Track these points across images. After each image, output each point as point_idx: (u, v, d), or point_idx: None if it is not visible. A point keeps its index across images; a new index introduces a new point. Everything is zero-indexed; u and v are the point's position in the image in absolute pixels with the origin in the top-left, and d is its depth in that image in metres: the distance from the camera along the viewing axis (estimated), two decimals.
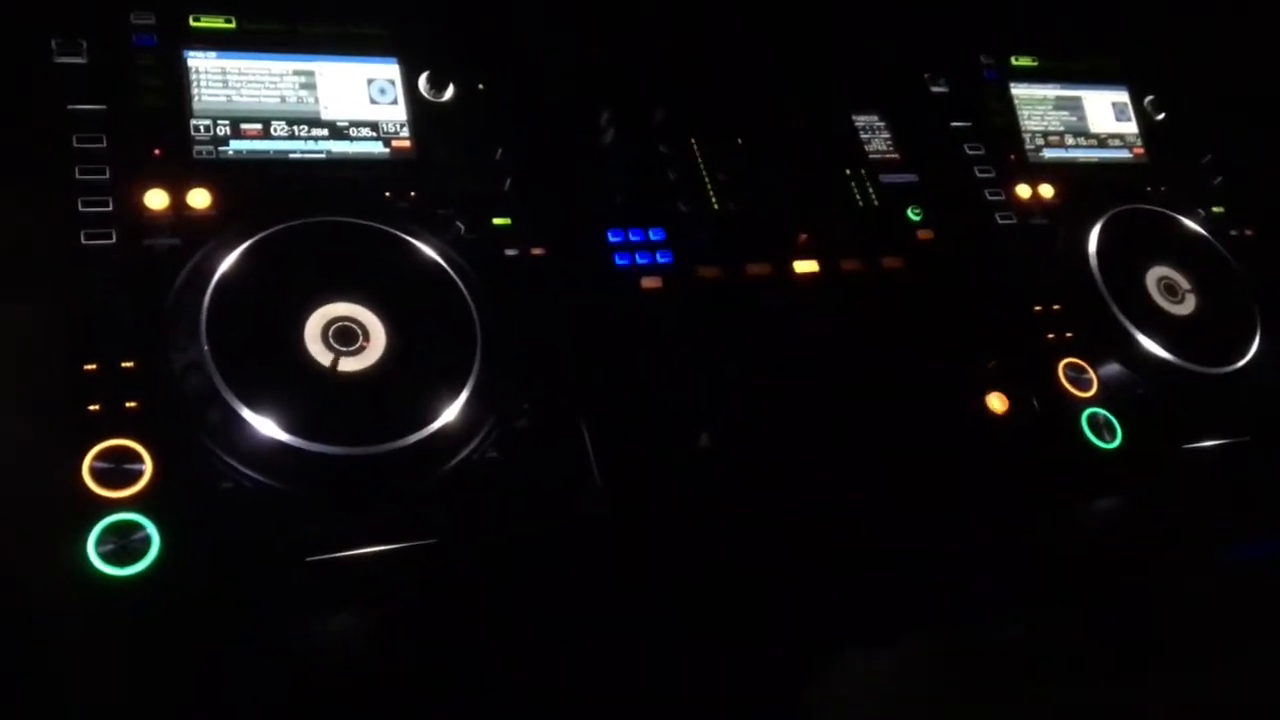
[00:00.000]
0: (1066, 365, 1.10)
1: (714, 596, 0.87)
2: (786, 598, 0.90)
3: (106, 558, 0.72)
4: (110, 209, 0.86)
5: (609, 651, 0.82)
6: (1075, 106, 1.34)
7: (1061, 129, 1.32)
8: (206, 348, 0.80)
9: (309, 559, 0.78)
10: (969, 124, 1.26)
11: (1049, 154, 1.29)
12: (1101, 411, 1.07)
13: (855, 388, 1.01)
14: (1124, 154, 1.34)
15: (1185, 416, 1.12)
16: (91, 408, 0.77)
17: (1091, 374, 1.10)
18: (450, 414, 0.84)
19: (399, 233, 0.92)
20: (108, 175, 0.87)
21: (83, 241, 0.84)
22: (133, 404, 0.78)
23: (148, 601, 0.72)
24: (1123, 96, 1.38)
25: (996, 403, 1.05)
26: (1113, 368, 1.12)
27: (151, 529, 0.74)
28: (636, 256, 1.01)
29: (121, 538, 0.73)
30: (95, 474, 0.75)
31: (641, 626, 0.84)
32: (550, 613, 0.83)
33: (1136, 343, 1.11)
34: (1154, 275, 1.18)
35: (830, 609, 0.91)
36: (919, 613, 0.93)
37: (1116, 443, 1.06)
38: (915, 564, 0.96)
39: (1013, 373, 1.08)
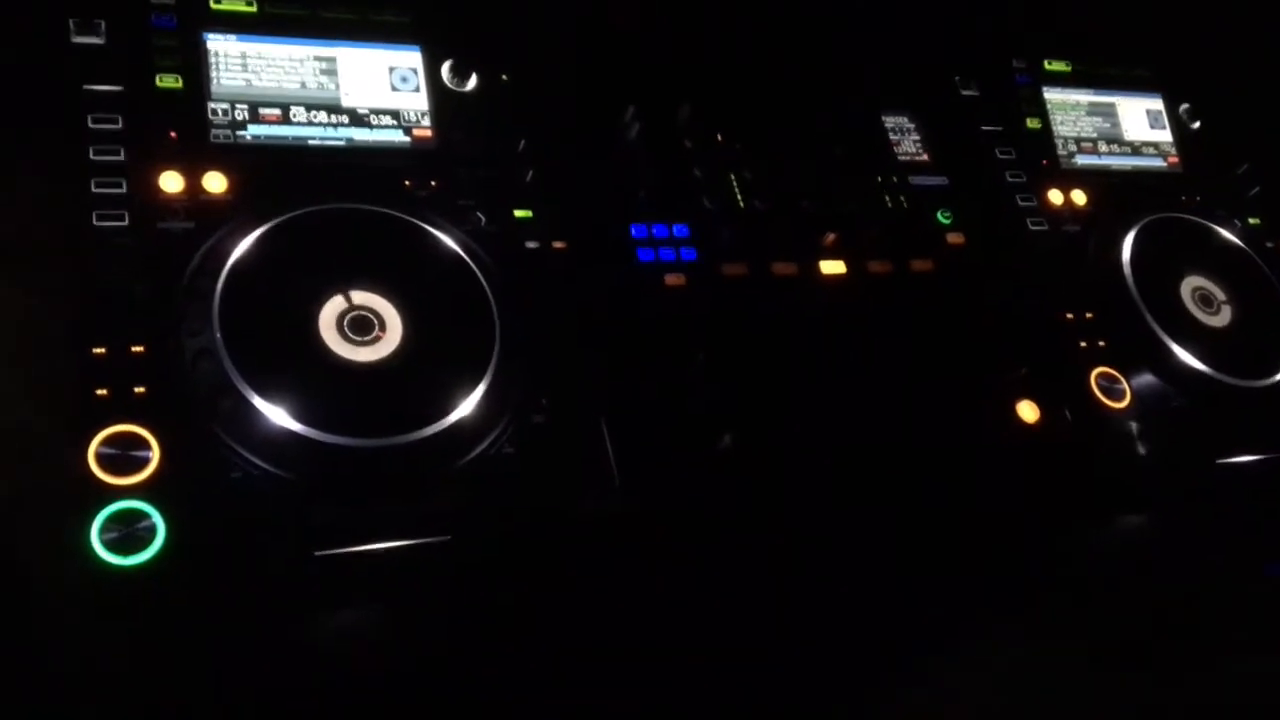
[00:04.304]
0: (1099, 375, 1.07)
1: (731, 598, 0.85)
2: (804, 602, 0.88)
3: (110, 546, 0.70)
4: (124, 191, 0.84)
5: (624, 653, 0.80)
6: (1109, 113, 1.31)
7: (1095, 135, 1.29)
8: (219, 334, 0.77)
9: (317, 553, 0.76)
10: (1000, 128, 1.23)
11: (1082, 160, 1.26)
12: (1135, 423, 1.05)
13: (882, 391, 0.99)
14: (1158, 162, 1.31)
15: (1220, 430, 1.09)
16: (99, 392, 0.75)
17: (1124, 384, 1.07)
18: (466, 407, 0.81)
19: (418, 222, 0.89)
20: (122, 157, 0.85)
21: (95, 223, 0.82)
22: (141, 389, 0.76)
23: (151, 592, 0.70)
24: (1157, 104, 1.35)
25: (1028, 411, 1.02)
26: (1146, 379, 1.08)
27: (157, 517, 0.71)
28: (660, 252, 0.98)
29: (126, 526, 0.70)
30: (101, 460, 0.72)
31: (658, 628, 0.82)
32: (565, 613, 0.81)
33: (1171, 353, 1.08)
34: (1189, 285, 1.15)
35: (851, 615, 0.88)
36: (943, 619, 0.90)
37: (1149, 455, 1.03)
38: (941, 571, 0.93)
39: (1044, 381, 1.05)
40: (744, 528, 0.89)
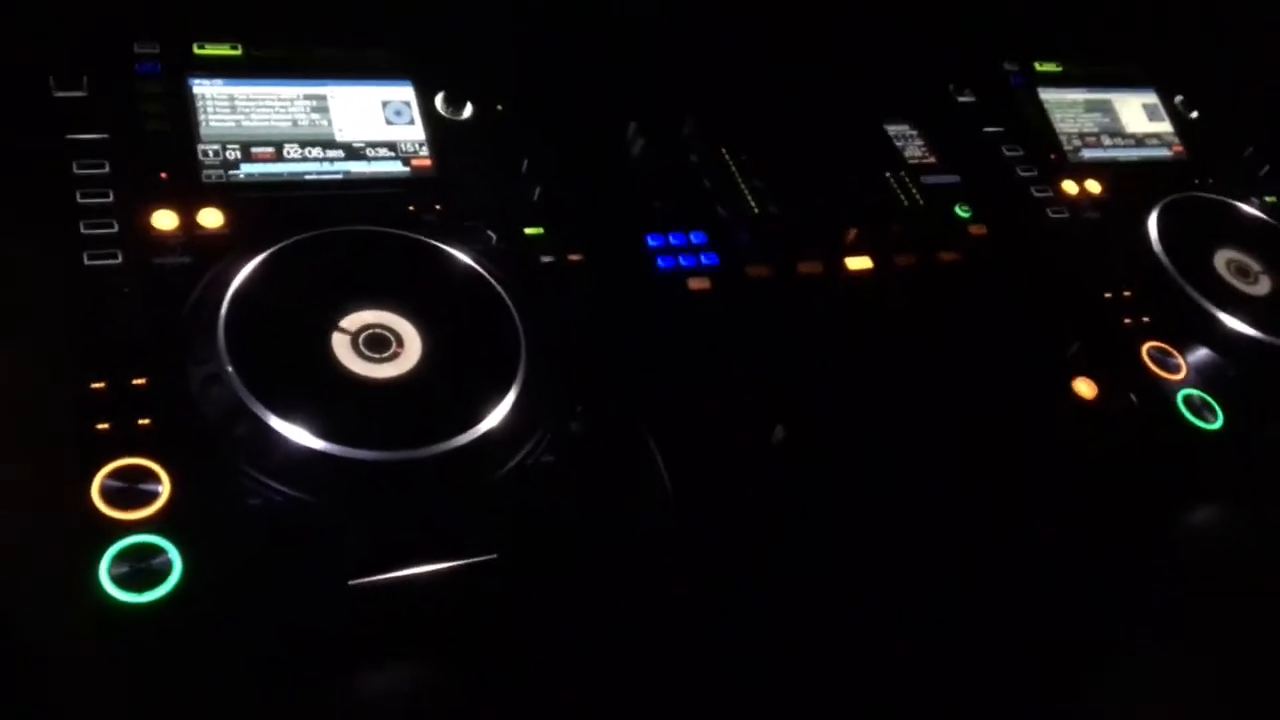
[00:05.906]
0: (1151, 348, 1.02)
1: (795, 595, 0.77)
2: (867, 598, 0.80)
3: (121, 582, 0.62)
4: (115, 230, 0.79)
5: (694, 670, 0.72)
6: (1106, 109, 1.29)
7: (1096, 130, 1.27)
8: (227, 358, 0.72)
9: (351, 582, 0.68)
10: (1002, 129, 1.21)
11: (1088, 154, 1.24)
12: (1196, 392, 0.99)
13: (933, 380, 0.93)
14: (1163, 152, 1.29)
15: None
16: (100, 426, 0.69)
17: (1178, 357, 1.02)
18: (498, 415, 0.75)
19: (427, 239, 0.85)
20: (111, 199, 0.81)
21: (86, 262, 0.77)
22: (146, 421, 0.70)
23: (168, 631, 0.62)
24: (1152, 98, 1.33)
25: (1085, 388, 0.96)
26: (1199, 351, 1.03)
27: (173, 551, 0.64)
28: (680, 259, 0.94)
29: (139, 560, 0.63)
30: (106, 494, 0.66)
31: (727, 636, 0.74)
32: (625, 631, 0.73)
33: (1220, 323, 1.04)
34: (1222, 258, 1.12)
35: (916, 612, 0.81)
36: (1014, 613, 0.83)
37: (1218, 424, 0.97)
38: (1014, 564, 0.86)
39: (1095, 358, 0.99)
40: (807, 532, 0.82)
